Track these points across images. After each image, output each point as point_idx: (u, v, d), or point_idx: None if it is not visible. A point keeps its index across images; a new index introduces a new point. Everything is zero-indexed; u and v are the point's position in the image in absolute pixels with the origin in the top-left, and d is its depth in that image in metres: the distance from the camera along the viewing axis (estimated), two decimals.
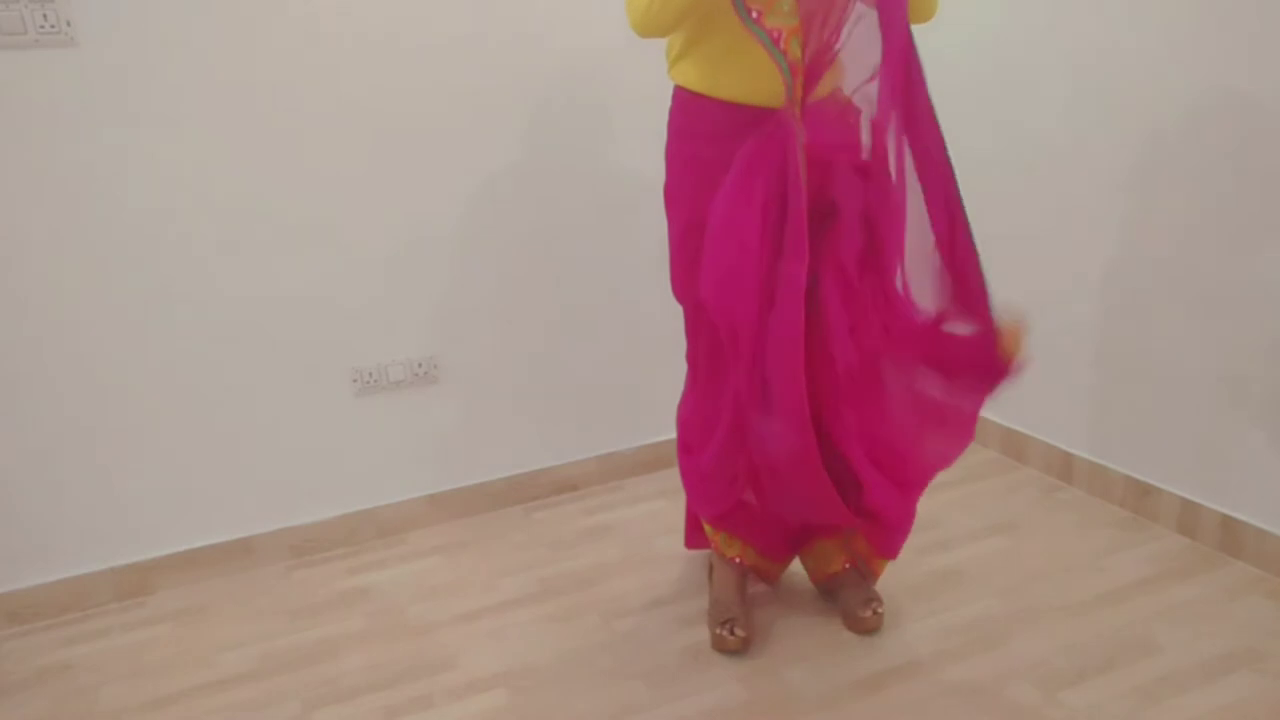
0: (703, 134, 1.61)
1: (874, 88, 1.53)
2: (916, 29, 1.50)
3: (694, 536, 2.04)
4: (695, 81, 1.59)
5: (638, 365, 2.50)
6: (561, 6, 2.17)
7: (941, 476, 2.46)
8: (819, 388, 1.63)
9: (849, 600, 1.87)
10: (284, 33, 1.97)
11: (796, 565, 2.00)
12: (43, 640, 2.02)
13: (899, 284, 1.59)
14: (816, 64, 1.51)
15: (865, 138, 1.59)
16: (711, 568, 2.01)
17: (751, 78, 1.53)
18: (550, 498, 2.52)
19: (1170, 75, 1.97)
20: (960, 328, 1.58)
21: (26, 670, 1.92)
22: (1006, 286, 2.48)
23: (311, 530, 2.29)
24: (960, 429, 1.66)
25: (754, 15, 1.45)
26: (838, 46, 1.51)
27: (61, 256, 1.92)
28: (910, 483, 1.74)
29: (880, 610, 1.84)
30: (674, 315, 1.81)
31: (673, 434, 1.97)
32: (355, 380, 2.24)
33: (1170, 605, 1.88)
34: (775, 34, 1.47)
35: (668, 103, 1.68)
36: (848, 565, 1.91)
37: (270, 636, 1.98)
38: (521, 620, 1.97)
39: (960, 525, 2.23)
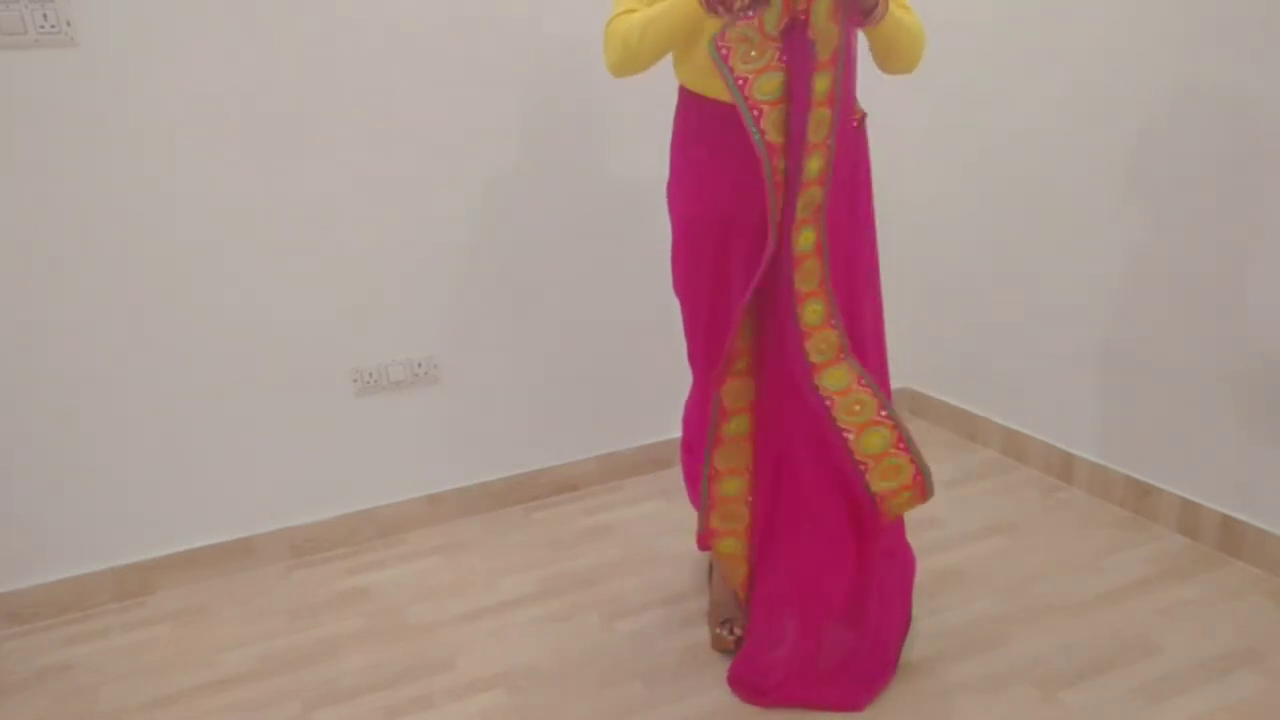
0: (704, 133, 1.61)
1: None
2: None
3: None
4: (694, 81, 1.60)
5: (638, 365, 2.50)
6: (567, 6, 2.18)
7: (942, 476, 2.49)
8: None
9: None
10: (284, 33, 1.98)
11: None
12: (43, 640, 2.02)
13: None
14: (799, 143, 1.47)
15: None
16: (711, 568, 2.01)
17: None
18: (550, 498, 2.52)
19: (1170, 76, 1.97)
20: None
21: (26, 670, 1.92)
22: (1007, 288, 2.50)
23: (311, 530, 2.29)
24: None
25: (723, 53, 1.43)
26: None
27: (61, 257, 1.93)
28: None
29: None
30: (675, 315, 1.80)
31: (672, 434, 1.97)
32: (355, 380, 2.24)
33: (1170, 605, 1.88)
34: (755, 110, 1.45)
35: (671, 102, 1.68)
36: None
37: (270, 636, 1.98)
38: (521, 620, 1.97)
39: (960, 525, 2.23)
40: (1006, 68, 2.36)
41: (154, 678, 1.87)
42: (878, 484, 1.59)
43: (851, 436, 1.57)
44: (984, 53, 2.40)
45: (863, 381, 1.57)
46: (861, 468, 1.59)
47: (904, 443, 1.58)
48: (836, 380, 1.56)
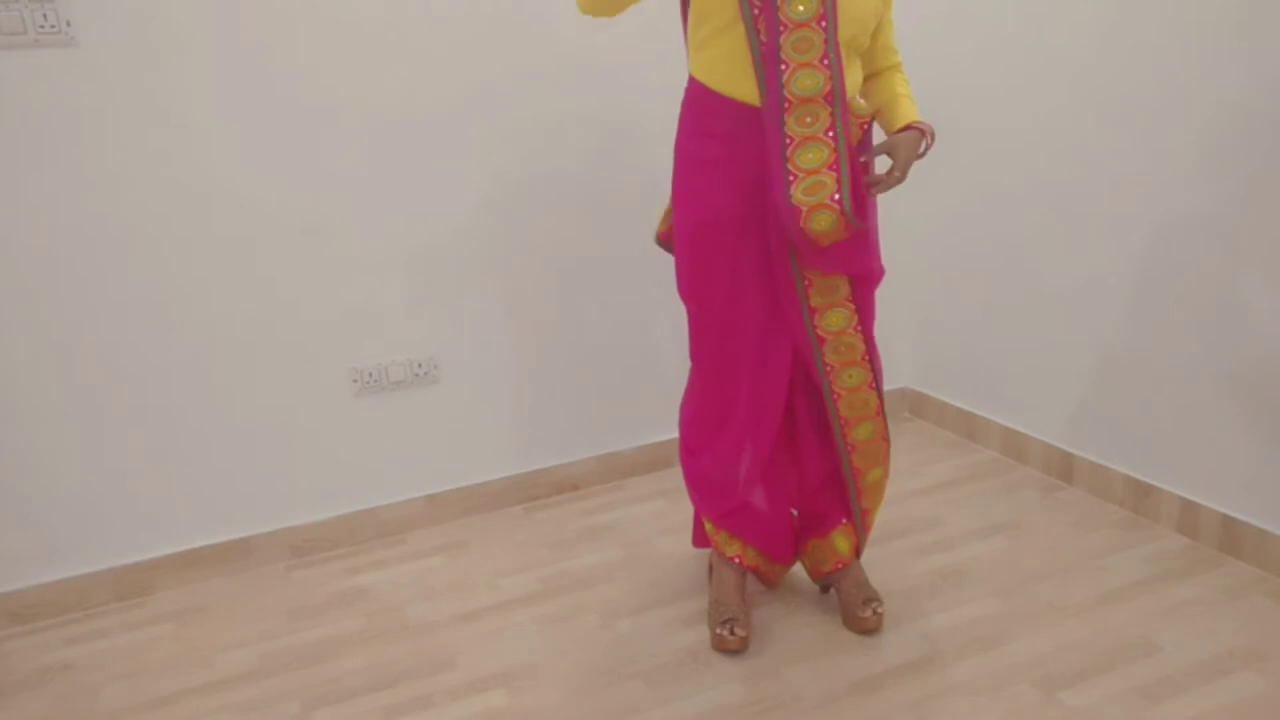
0: (714, 132, 1.58)
1: None
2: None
3: (701, 535, 2.04)
4: (709, 76, 1.56)
5: (639, 365, 2.50)
6: (571, 5, 2.17)
7: (942, 476, 2.49)
8: None
9: (849, 600, 1.87)
10: (284, 32, 1.97)
11: (796, 564, 2.00)
12: (43, 640, 2.02)
13: None
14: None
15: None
16: (711, 568, 2.01)
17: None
18: (550, 498, 2.52)
19: (1169, 75, 1.97)
20: None
21: (27, 670, 1.92)
22: (1007, 288, 2.50)
23: (311, 530, 2.29)
24: None
25: (754, 11, 1.43)
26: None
27: (62, 256, 1.92)
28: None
29: (880, 610, 1.84)
30: (675, 315, 1.80)
31: (673, 434, 1.97)
32: (355, 380, 2.24)
33: (1170, 605, 1.88)
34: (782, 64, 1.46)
35: (674, 103, 1.67)
36: (840, 566, 1.90)
37: (270, 636, 1.98)
38: (521, 620, 1.97)
39: (960, 525, 2.23)
40: (1006, 66, 2.36)
41: (154, 678, 1.87)
42: (804, 205, 1.52)
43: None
44: (983, 51, 2.40)
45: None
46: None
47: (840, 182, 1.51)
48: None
